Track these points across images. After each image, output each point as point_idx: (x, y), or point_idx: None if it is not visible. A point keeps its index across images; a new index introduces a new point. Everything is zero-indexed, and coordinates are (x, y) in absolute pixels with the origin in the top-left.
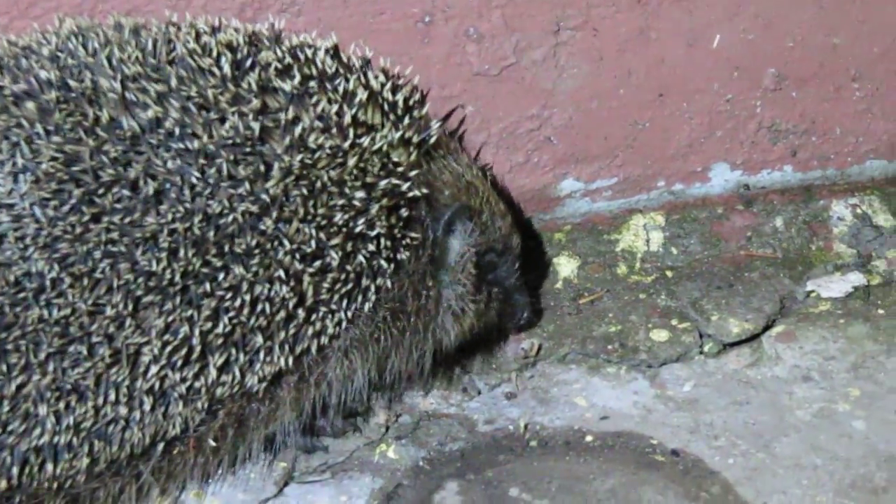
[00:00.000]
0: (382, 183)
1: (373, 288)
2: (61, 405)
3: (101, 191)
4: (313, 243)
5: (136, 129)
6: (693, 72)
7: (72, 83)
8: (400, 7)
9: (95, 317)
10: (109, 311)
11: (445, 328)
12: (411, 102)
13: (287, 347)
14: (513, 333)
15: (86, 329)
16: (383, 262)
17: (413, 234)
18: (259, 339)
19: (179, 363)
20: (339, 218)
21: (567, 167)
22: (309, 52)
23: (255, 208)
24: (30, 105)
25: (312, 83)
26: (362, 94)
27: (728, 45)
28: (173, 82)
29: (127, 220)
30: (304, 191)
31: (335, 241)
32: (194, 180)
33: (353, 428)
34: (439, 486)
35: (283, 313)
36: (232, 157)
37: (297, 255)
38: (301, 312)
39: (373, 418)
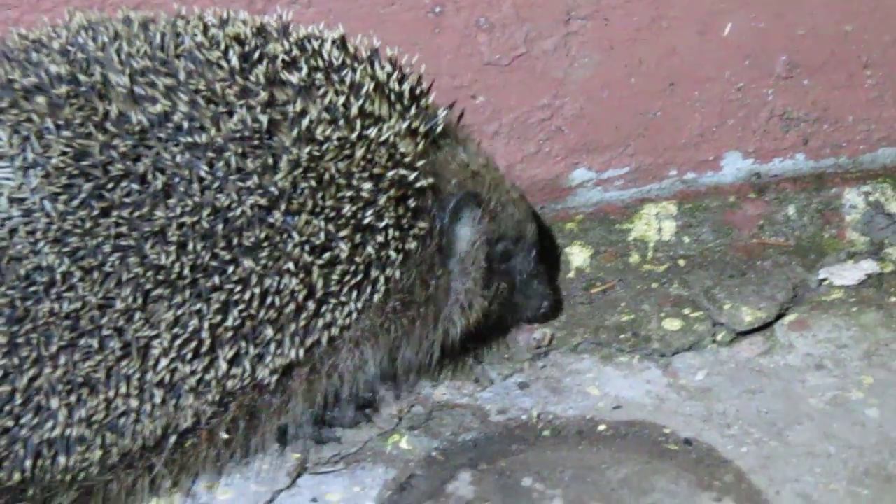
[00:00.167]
0: (390, 173)
1: (382, 279)
2: (73, 398)
3: (110, 185)
4: (322, 235)
5: (144, 124)
6: (704, 60)
7: (81, 77)
8: None
9: (105, 310)
10: (119, 305)
11: (452, 320)
12: (418, 92)
13: (297, 339)
14: (531, 324)
15: (96, 322)
16: (392, 253)
17: (421, 224)
18: (269, 332)
19: (189, 356)
20: (347, 209)
21: (579, 157)
22: (316, 44)
23: (263, 201)
24: (40, 99)
25: (319, 75)
26: (369, 85)
27: (739, 34)
28: (181, 76)
29: (136, 213)
30: (313, 183)
31: (344, 232)
32: (203, 174)
33: (365, 419)
34: (452, 477)
35: (292, 305)
36: (240, 150)
37: (307, 248)
38: (311, 304)
39: (385, 409)
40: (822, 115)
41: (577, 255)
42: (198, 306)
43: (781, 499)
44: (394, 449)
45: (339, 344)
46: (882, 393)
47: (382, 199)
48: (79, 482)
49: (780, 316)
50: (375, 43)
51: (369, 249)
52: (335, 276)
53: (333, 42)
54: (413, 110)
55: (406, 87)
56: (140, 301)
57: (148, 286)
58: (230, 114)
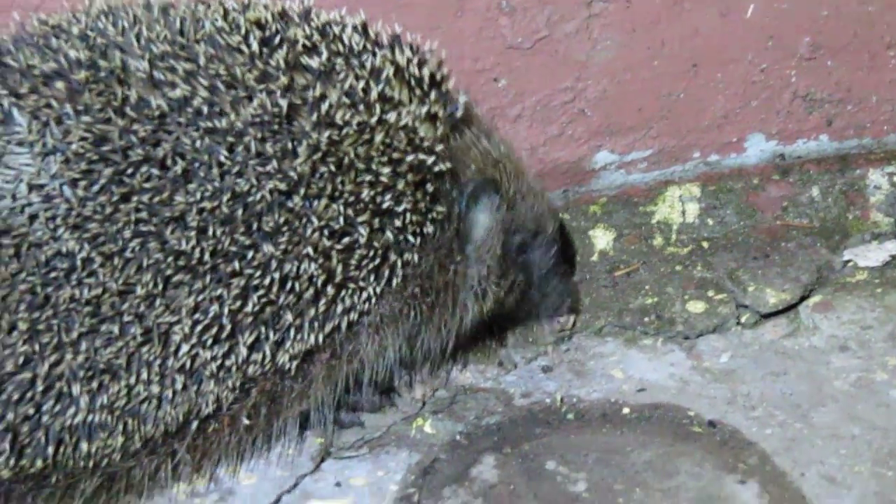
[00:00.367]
0: (409, 158)
1: (400, 263)
2: (94, 384)
3: (130, 170)
4: (341, 220)
5: (164, 108)
6: (727, 42)
7: (101, 63)
8: None
9: (126, 296)
10: (140, 291)
11: (465, 306)
12: (438, 77)
13: (317, 325)
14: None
15: (117, 308)
16: (410, 237)
17: (439, 209)
18: (289, 317)
19: (210, 342)
20: (366, 194)
21: (602, 139)
22: (337, 29)
23: (283, 186)
24: (59, 85)
25: (340, 60)
26: (389, 70)
27: (762, 15)
28: (201, 60)
29: (156, 199)
30: (332, 167)
31: (363, 217)
32: (222, 158)
33: (389, 403)
34: (476, 460)
35: (312, 291)
36: (260, 135)
37: (326, 232)
38: (330, 289)
39: (409, 393)
40: (845, 95)
41: (600, 238)
42: (218, 292)
43: (806, 481)
44: (417, 433)
45: (359, 329)
46: None
47: (401, 184)
48: (101, 468)
49: (804, 298)
50: (397, 29)
51: (388, 234)
52: (354, 261)
53: (354, 27)
54: (433, 95)
55: (426, 72)
56: (160, 287)
57: (168, 272)
58: (250, 98)
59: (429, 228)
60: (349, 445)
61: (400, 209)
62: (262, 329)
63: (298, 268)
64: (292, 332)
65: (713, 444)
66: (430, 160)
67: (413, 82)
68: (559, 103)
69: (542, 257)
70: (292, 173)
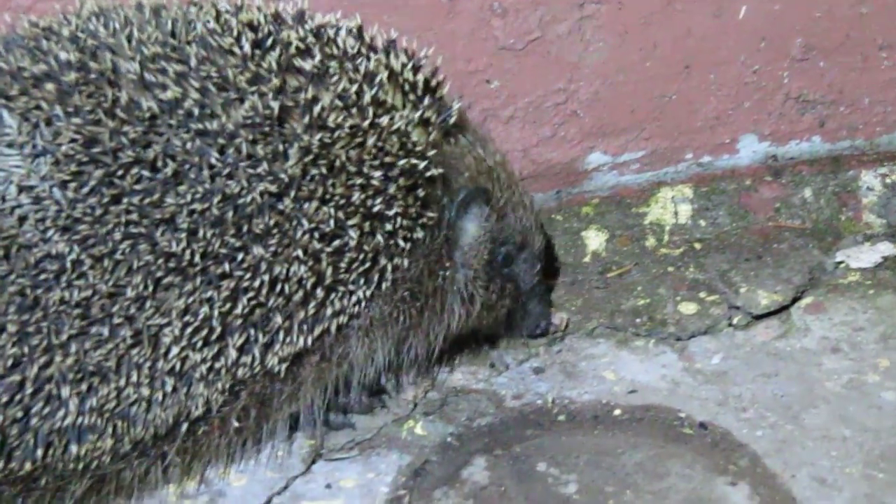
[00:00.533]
0: (401, 162)
1: (390, 267)
2: (84, 387)
3: (120, 172)
4: (332, 223)
5: (155, 110)
6: (719, 43)
7: (91, 64)
8: None
9: (116, 298)
10: (130, 293)
11: (452, 311)
12: (432, 83)
13: (306, 327)
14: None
15: (107, 310)
16: (401, 242)
17: (430, 214)
18: (278, 320)
19: (200, 344)
20: (357, 197)
21: (594, 141)
22: (331, 32)
23: (273, 188)
24: (50, 86)
25: (333, 63)
26: (383, 74)
27: (754, 16)
28: (192, 62)
29: (146, 201)
30: (323, 170)
31: (353, 220)
32: (213, 160)
33: (380, 404)
34: (467, 462)
35: (301, 293)
36: (251, 137)
37: (316, 235)
38: (320, 292)
39: (400, 395)
40: (838, 97)
41: (592, 240)
42: (208, 294)
43: (797, 483)
44: (408, 435)
45: (349, 332)
46: None
47: (392, 188)
48: (91, 471)
49: (796, 299)
50: (392, 33)
51: (378, 237)
52: (344, 264)
53: (349, 31)
54: (427, 101)
55: (420, 77)
56: (151, 289)
57: (158, 274)
58: (241, 100)
59: (419, 234)
60: (340, 447)
61: (391, 213)
62: (252, 331)
63: (288, 270)
64: (282, 334)
65: (704, 446)
66: (422, 165)
67: (407, 87)
68: (552, 104)
69: (527, 273)
70: (283, 175)
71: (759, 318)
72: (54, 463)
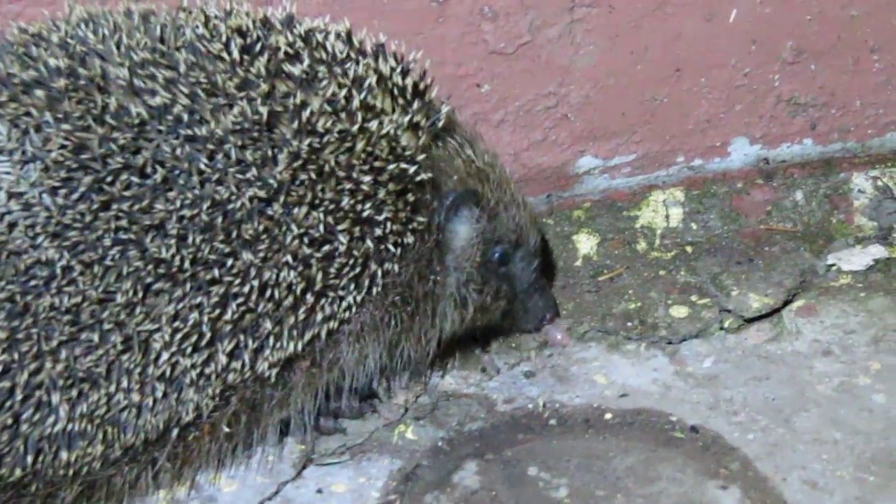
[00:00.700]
0: (390, 167)
1: (380, 272)
2: (74, 393)
3: (109, 178)
4: (321, 228)
5: (144, 116)
6: (710, 46)
7: (81, 70)
8: None
9: (106, 304)
10: (120, 299)
11: (445, 315)
12: (421, 87)
13: (296, 333)
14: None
15: (97, 316)
16: (391, 247)
17: (420, 219)
18: (268, 325)
19: (190, 349)
20: (346, 202)
21: (585, 144)
22: (320, 37)
23: (262, 193)
24: (39, 93)
25: (322, 67)
26: (372, 79)
27: (745, 19)
28: (182, 68)
29: (136, 207)
30: (313, 175)
31: (343, 225)
32: (203, 166)
33: (371, 409)
34: (458, 466)
35: (291, 298)
36: (240, 143)
37: (305, 240)
38: (310, 297)
39: (391, 399)
40: (829, 99)
41: (584, 243)
42: (198, 299)
43: (788, 486)
44: (399, 439)
45: (339, 338)
46: (889, 378)
47: (382, 193)
48: (81, 477)
49: (787, 302)
50: (381, 37)
51: (368, 243)
52: (333, 269)
53: (338, 35)
54: (416, 105)
55: (409, 81)
56: (140, 295)
57: (148, 280)
58: (230, 106)
59: (409, 238)
60: (331, 452)
61: (381, 218)
62: (242, 337)
63: (278, 276)
64: (272, 339)
65: (695, 450)
66: (412, 169)
67: (396, 91)
68: (542, 108)
69: (525, 270)
70: (272, 181)
71: (751, 321)
72: (44, 469)
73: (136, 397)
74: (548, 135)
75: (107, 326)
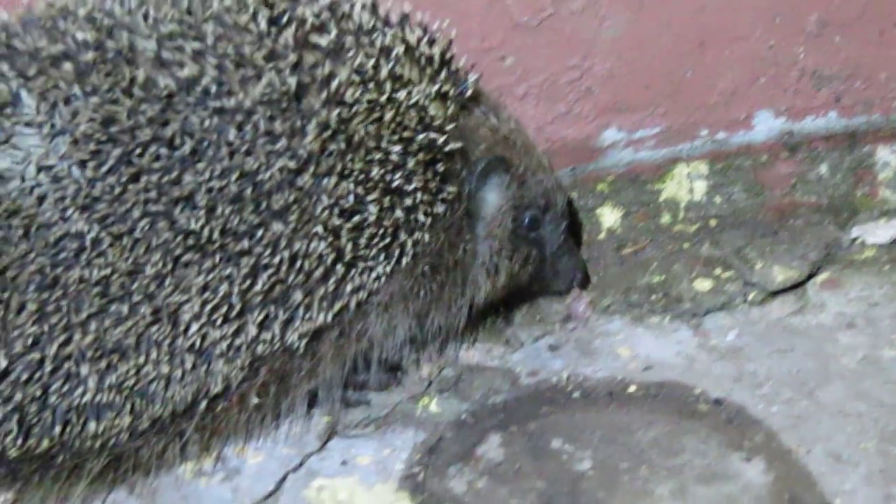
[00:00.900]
0: (419, 137)
1: (410, 242)
2: (103, 364)
3: (138, 150)
4: (351, 198)
5: (172, 88)
6: (734, 19)
7: (108, 43)
8: None
9: (135, 276)
10: (149, 270)
11: (477, 283)
12: (448, 56)
13: (326, 304)
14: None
15: (126, 288)
16: (420, 216)
17: (449, 188)
18: (298, 296)
19: (219, 321)
20: (376, 173)
21: (609, 117)
22: (346, 8)
23: (292, 164)
24: (67, 66)
25: (349, 38)
26: (399, 49)
27: None
28: (209, 40)
29: (165, 179)
30: (342, 146)
31: (373, 195)
32: (231, 137)
33: (395, 382)
34: (482, 439)
35: (321, 269)
36: (269, 114)
37: (335, 211)
38: (339, 268)
39: (415, 372)
40: (853, 72)
41: (608, 217)
42: (227, 271)
43: (812, 458)
44: (423, 412)
45: (368, 308)
46: None
47: (411, 163)
48: (108, 448)
49: (811, 275)
50: (406, 8)
51: (398, 213)
52: (363, 240)
53: (364, 5)
54: (443, 74)
55: (436, 51)
56: (170, 266)
57: (178, 251)
58: (259, 77)
59: (439, 208)
60: (355, 424)
61: (410, 188)
62: (272, 308)
63: (308, 246)
64: (301, 310)
65: (719, 422)
66: (441, 139)
67: (423, 61)
68: (566, 81)
69: (553, 232)
70: (301, 151)
71: (775, 294)
72: (72, 440)
73: (164, 369)
74: (572, 108)
75: (136, 298)
